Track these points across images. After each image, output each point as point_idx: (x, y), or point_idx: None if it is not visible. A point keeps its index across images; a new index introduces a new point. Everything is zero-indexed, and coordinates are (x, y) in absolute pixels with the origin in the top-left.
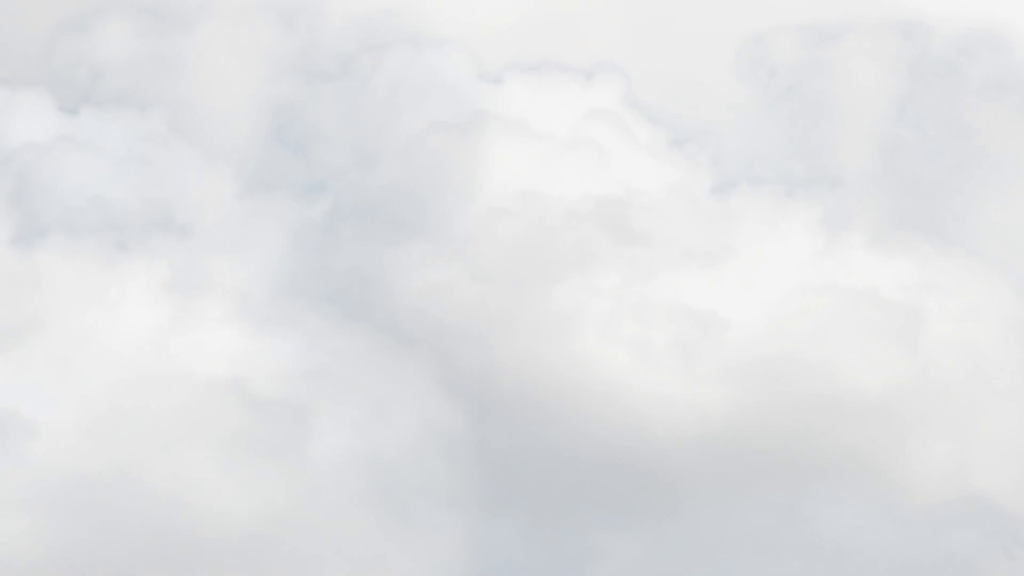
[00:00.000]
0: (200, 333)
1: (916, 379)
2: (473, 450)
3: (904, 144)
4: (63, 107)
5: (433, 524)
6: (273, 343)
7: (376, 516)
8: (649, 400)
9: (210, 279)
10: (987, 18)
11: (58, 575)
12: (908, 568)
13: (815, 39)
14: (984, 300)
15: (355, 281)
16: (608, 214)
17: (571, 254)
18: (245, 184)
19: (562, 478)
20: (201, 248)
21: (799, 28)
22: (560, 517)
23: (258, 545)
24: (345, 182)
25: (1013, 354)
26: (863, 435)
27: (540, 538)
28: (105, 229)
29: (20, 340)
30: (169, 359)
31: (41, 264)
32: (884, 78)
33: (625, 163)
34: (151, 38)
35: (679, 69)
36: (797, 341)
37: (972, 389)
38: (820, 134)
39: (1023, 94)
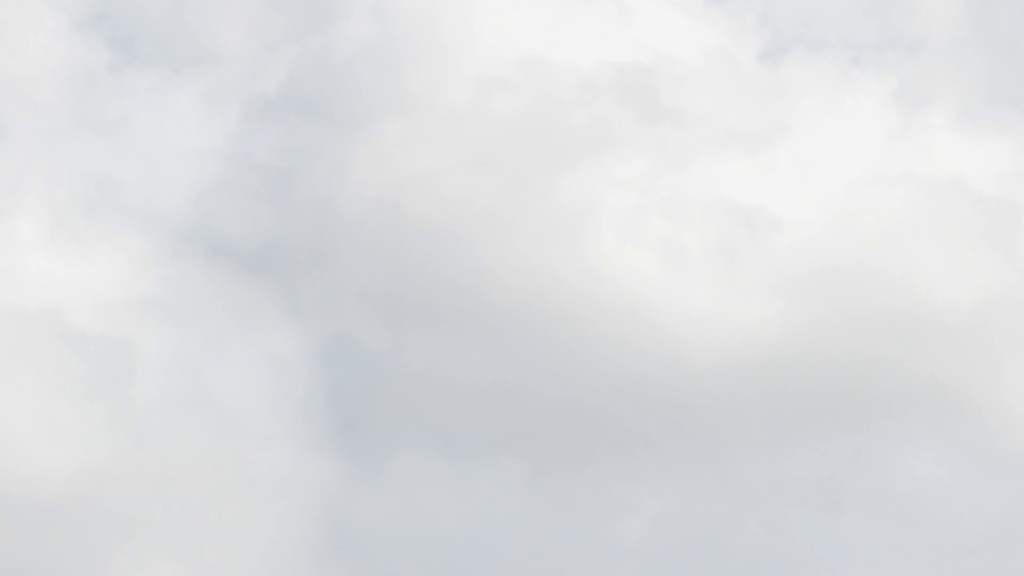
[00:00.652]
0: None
1: (1013, 292)
2: (385, 389)
3: None
4: None
5: (288, 478)
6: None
7: (214, 469)
8: (682, 319)
9: None
10: None
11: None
12: (1001, 526)
13: None
14: None
15: (297, 168)
16: (631, 86)
17: (585, 136)
18: None
19: (571, 417)
20: None
21: None
22: (568, 466)
23: (75, 504)
24: (303, 50)
25: None
26: (947, 362)
27: (539, 492)
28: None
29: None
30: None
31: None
32: None
33: (653, 23)
34: None
35: None
36: (865, 244)
37: None
38: None
39: None
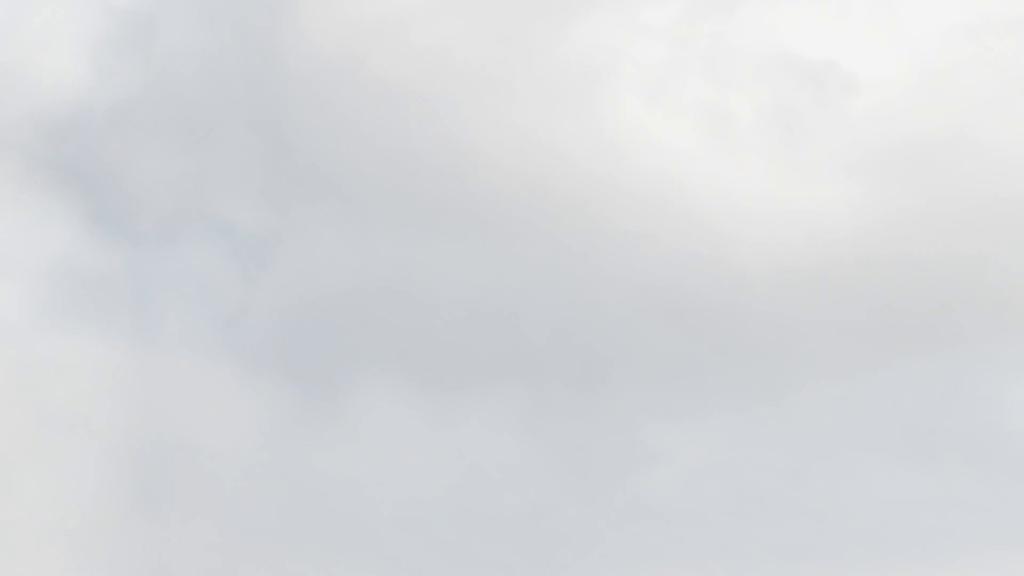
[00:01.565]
0: None
1: None
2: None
3: None
4: None
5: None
6: None
7: None
8: (726, 210)
9: None
10: None
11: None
12: None
13: None
14: None
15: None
16: None
17: None
18: None
19: (581, 341)
20: None
21: None
22: (578, 404)
23: None
24: None
25: None
26: None
27: (542, 437)
28: None
29: None
30: None
31: None
32: None
33: None
34: None
35: None
36: (966, 111)
37: None
38: None
39: None
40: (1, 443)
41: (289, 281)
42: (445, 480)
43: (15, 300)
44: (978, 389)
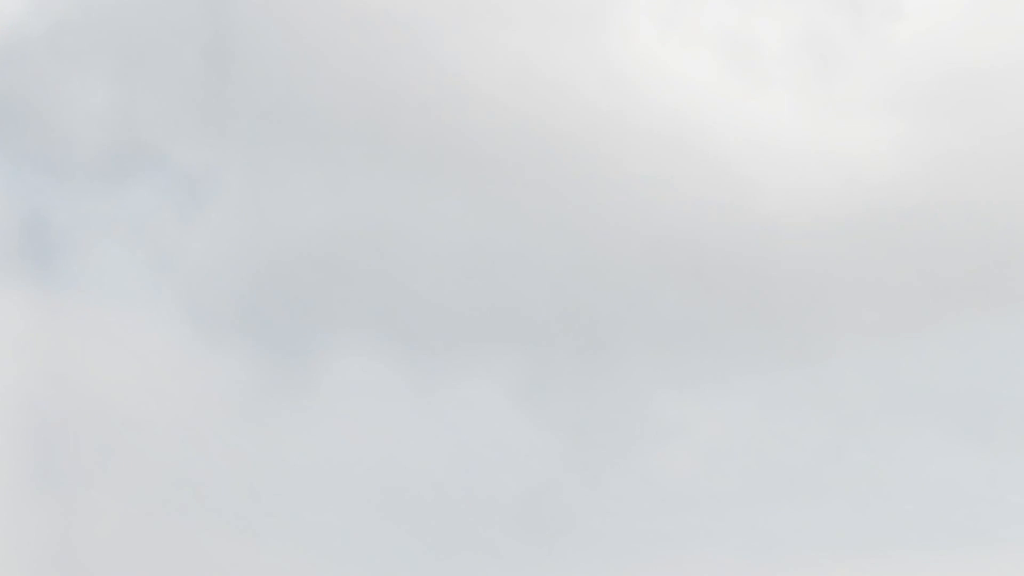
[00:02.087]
0: None
1: None
2: None
3: None
4: None
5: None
6: None
7: None
8: (751, 150)
9: None
10: None
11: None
12: None
13: None
14: None
15: None
16: None
17: None
18: None
19: (586, 298)
20: None
21: None
22: (583, 369)
23: None
24: None
25: None
26: None
27: (542, 407)
28: None
29: None
30: None
31: None
32: None
33: None
34: None
35: None
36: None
37: None
38: None
39: None
40: None
41: (247, 228)
42: (432, 459)
43: None
44: None
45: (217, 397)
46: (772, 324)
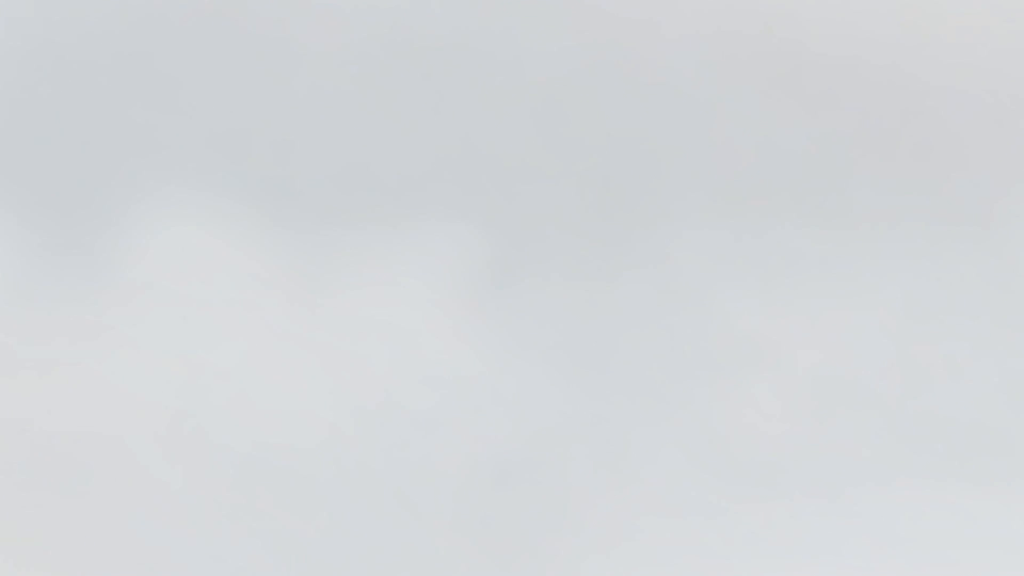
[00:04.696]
0: None
1: None
2: None
3: None
4: None
5: None
6: None
7: None
8: None
9: None
10: None
11: None
12: None
13: None
14: None
15: None
16: None
17: None
18: None
19: (595, 130)
20: None
21: None
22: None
23: None
24: None
25: None
26: None
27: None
28: None
29: None
30: None
31: None
32: None
33: None
34: None
35: None
36: None
37: None
38: None
39: None
40: None
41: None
42: (337, 396)
43: None
44: None
45: None
46: (912, 170)
